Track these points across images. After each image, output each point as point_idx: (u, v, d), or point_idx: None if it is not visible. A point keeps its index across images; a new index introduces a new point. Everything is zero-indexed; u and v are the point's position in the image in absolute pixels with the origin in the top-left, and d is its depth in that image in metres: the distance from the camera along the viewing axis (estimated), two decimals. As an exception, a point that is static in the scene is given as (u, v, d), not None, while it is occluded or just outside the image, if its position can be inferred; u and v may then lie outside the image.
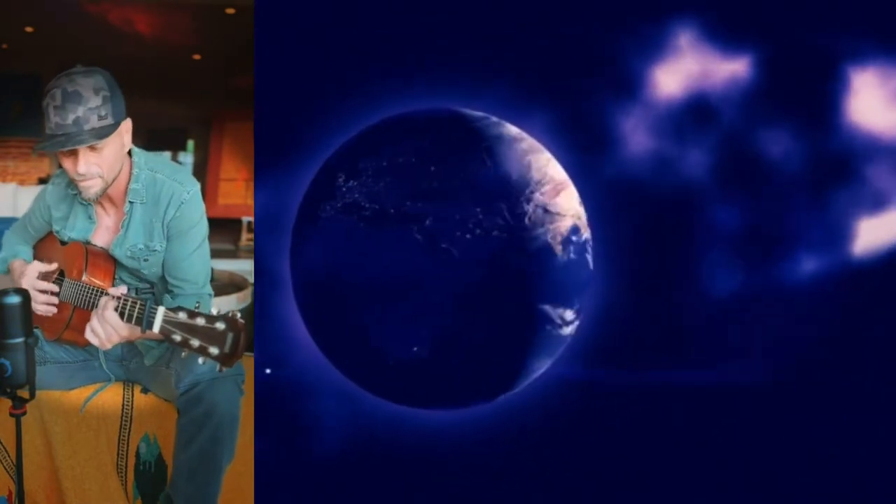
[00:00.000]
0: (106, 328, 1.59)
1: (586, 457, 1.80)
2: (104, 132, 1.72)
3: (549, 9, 1.76)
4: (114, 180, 1.81)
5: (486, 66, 1.78)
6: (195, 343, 1.47)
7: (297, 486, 1.83)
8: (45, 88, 1.73)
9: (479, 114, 1.76)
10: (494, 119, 1.76)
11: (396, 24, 1.77)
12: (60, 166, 1.84)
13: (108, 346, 1.62)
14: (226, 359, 1.45)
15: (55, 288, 1.84)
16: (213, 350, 1.45)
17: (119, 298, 1.59)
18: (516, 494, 1.82)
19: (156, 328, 1.51)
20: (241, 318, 1.47)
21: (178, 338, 1.48)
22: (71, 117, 1.69)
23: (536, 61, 1.77)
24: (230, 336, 1.45)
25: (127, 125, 1.81)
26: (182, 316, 1.48)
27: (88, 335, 1.62)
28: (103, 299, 1.61)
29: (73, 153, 1.73)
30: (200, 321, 1.47)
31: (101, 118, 1.71)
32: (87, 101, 1.70)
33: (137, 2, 6.22)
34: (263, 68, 1.80)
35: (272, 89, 1.81)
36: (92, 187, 1.78)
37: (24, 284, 1.83)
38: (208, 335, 1.46)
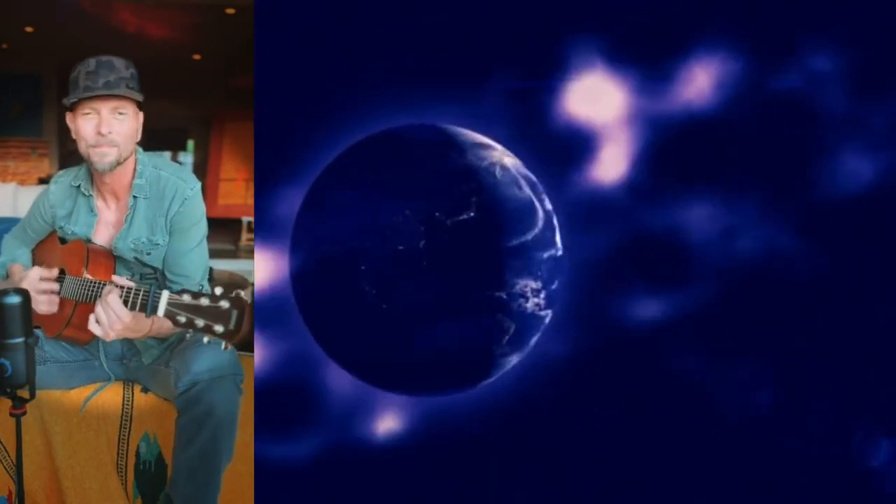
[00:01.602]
0: (109, 315, 1.58)
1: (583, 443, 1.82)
2: (135, 94, 1.82)
3: (551, 7, 1.77)
4: (125, 160, 1.84)
5: (488, 65, 1.78)
6: (200, 323, 1.47)
7: (298, 486, 1.84)
8: (75, 65, 1.82)
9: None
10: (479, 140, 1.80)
11: (397, 24, 1.78)
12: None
13: (112, 335, 1.61)
14: (231, 336, 1.46)
15: (55, 287, 1.84)
16: (218, 328, 1.46)
17: (123, 287, 1.60)
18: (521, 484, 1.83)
19: (160, 311, 1.50)
20: (245, 296, 1.48)
21: (182, 319, 1.48)
22: (101, 81, 1.78)
23: (539, 60, 1.78)
24: (235, 313, 1.46)
25: (141, 116, 1.88)
26: (186, 298, 1.49)
27: (92, 325, 1.61)
28: (107, 287, 1.61)
29: (97, 116, 1.79)
30: (205, 301, 1.47)
31: (129, 87, 1.80)
32: (118, 71, 1.80)
33: (137, 2, 6.23)
34: (263, 68, 1.80)
35: (272, 89, 1.81)
36: (108, 155, 1.81)
37: (26, 286, 1.83)
38: (213, 314, 1.47)
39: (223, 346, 1.49)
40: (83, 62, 1.81)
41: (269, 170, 1.82)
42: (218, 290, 1.49)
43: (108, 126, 1.79)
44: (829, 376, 1.78)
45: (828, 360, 1.78)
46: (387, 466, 1.83)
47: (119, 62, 1.81)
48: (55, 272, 1.86)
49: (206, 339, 1.49)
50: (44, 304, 1.83)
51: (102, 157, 1.81)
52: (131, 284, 1.60)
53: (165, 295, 1.51)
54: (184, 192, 1.85)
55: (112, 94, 1.77)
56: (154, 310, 1.52)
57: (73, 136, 1.85)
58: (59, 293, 1.86)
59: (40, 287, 1.83)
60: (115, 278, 1.64)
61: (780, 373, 1.79)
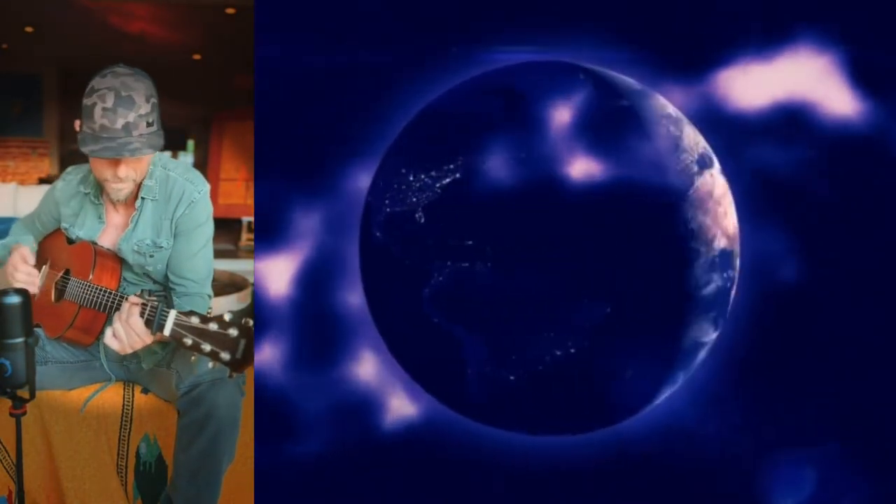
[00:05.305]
0: (130, 335, 1.60)
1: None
2: (154, 142, 1.71)
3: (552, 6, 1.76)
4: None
5: (489, 65, 1.77)
6: (206, 348, 1.47)
7: (298, 488, 1.83)
8: (92, 86, 1.69)
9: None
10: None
11: (398, 24, 1.77)
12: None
13: (129, 351, 1.63)
14: (237, 365, 1.46)
15: (35, 272, 1.85)
16: (225, 356, 1.46)
17: (143, 304, 1.60)
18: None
19: (166, 331, 1.51)
20: (253, 325, 1.48)
21: (189, 342, 1.49)
22: (121, 122, 1.66)
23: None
24: (243, 342, 1.46)
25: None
26: (194, 320, 1.49)
27: (109, 340, 1.62)
28: (125, 304, 1.61)
29: (115, 159, 1.71)
30: (213, 326, 1.47)
31: (148, 125, 1.70)
32: (138, 108, 1.67)
33: (137, 1, 6.23)
34: (263, 68, 1.80)
35: (272, 89, 1.80)
36: (123, 189, 1.80)
37: (10, 262, 1.84)
38: (220, 341, 1.47)
39: (227, 375, 1.48)
40: (99, 92, 1.65)
41: (269, 170, 1.82)
42: (227, 316, 1.48)
43: (127, 171, 1.74)
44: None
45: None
46: (387, 468, 1.82)
47: (140, 93, 1.67)
48: (36, 272, 1.87)
49: (210, 365, 1.49)
50: (19, 283, 1.81)
51: (119, 192, 1.80)
52: (148, 300, 1.61)
53: (173, 314, 1.51)
54: (191, 195, 1.84)
55: (133, 156, 1.67)
56: (160, 328, 1.53)
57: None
58: (62, 295, 1.86)
59: (21, 268, 1.81)
60: (131, 298, 1.64)
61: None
